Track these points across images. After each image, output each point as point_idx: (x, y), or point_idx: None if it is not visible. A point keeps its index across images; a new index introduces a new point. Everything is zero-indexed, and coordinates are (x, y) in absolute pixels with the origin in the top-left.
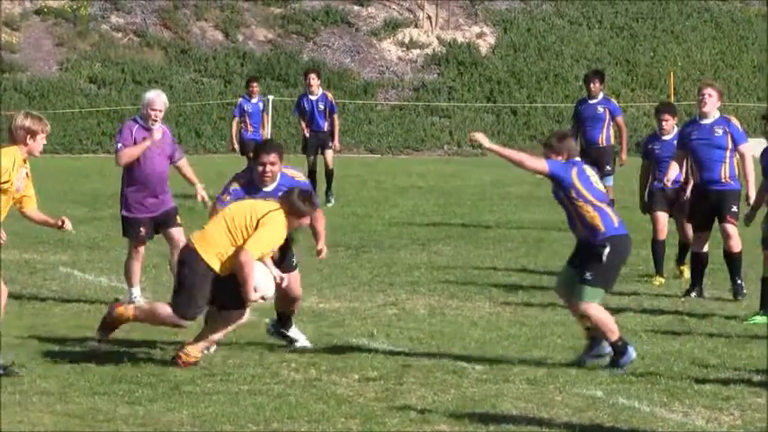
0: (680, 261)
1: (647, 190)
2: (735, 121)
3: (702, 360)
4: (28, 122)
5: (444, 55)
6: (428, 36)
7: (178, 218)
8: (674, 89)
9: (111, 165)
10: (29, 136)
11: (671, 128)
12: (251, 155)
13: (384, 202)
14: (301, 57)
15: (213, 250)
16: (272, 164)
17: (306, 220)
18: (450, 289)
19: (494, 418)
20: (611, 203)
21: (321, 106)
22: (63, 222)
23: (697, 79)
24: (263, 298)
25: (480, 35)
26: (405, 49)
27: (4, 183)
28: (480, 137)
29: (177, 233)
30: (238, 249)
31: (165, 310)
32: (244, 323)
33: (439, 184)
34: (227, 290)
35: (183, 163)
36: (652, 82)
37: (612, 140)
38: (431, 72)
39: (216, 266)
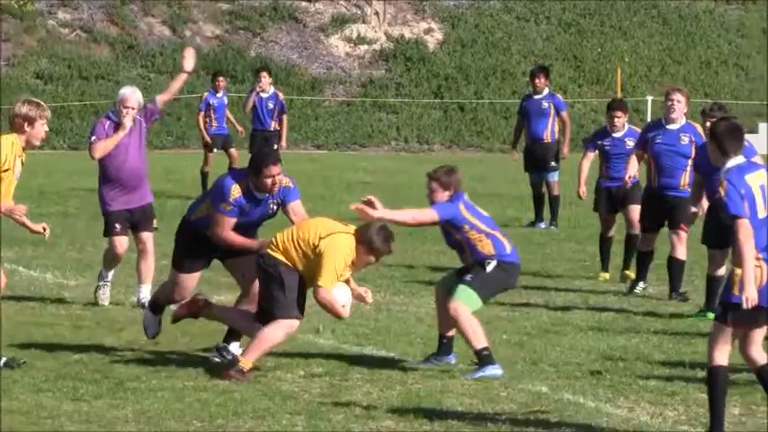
0: (625, 265)
1: (594, 187)
2: (699, 128)
3: (647, 356)
4: (25, 109)
5: (392, 51)
6: (376, 32)
7: (155, 221)
8: (622, 85)
9: (58, 161)
10: (26, 123)
11: (622, 125)
12: (220, 150)
13: (331, 199)
14: (249, 53)
15: (280, 251)
16: (279, 174)
17: (375, 259)
18: (395, 285)
19: (439, 414)
20: (556, 200)
21: (270, 105)
22: (44, 230)
23: (644, 75)
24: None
25: (428, 31)
26: (352, 44)
27: (5, 171)
28: (366, 209)
29: (147, 238)
30: (311, 282)
31: (273, 331)
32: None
33: (386, 180)
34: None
35: (165, 96)
36: (599, 78)
37: (557, 136)
38: (378, 68)
39: (288, 262)
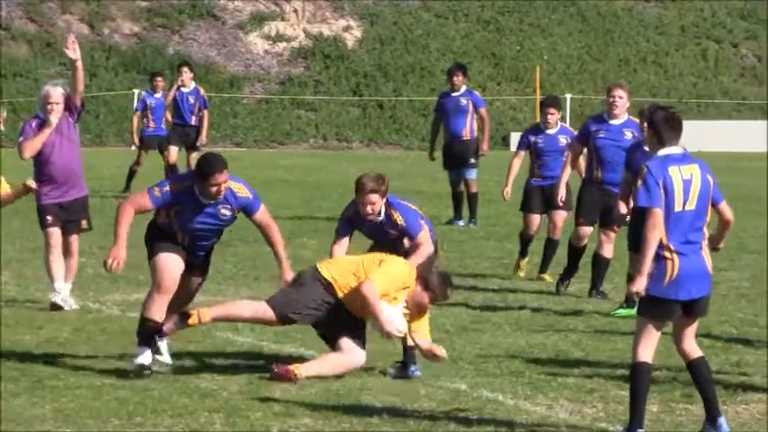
0: (542, 269)
1: (524, 187)
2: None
3: (566, 353)
4: None
5: (311, 48)
6: (294, 29)
7: (83, 222)
8: (540, 83)
9: None
10: None
11: (555, 122)
12: (155, 150)
13: None
14: (167, 50)
15: (333, 270)
16: (225, 181)
17: (428, 299)
18: None
19: (358, 412)
20: (475, 198)
21: (191, 100)
22: (27, 185)
23: (563, 73)
24: (399, 331)
25: (347, 28)
26: (271, 42)
27: None
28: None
29: (74, 240)
30: (360, 282)
31: (246, 304)
32: (358, 366)
33: (304, 178)
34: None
35: (73, 90)
36: (518, 75)
37: (476, 133)
38: (297, 65)
39: (329, 278)
